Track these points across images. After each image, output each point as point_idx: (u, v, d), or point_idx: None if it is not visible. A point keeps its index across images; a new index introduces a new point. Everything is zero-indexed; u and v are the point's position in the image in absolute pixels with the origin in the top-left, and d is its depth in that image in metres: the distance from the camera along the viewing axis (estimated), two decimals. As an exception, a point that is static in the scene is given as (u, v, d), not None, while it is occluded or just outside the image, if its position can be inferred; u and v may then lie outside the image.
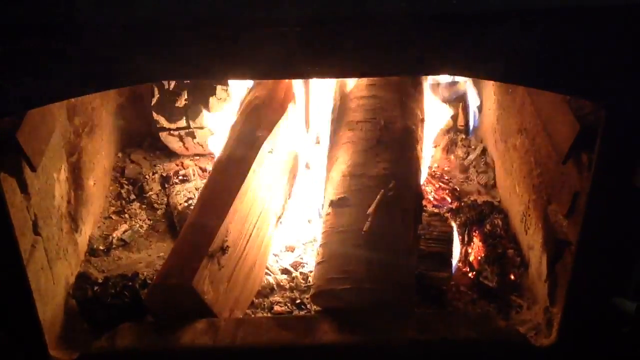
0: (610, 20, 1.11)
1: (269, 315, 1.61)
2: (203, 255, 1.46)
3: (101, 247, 1.83)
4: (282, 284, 1.70)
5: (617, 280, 1.37)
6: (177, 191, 1.97)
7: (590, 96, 1.24)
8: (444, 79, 2.06)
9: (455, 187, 2.03)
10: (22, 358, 1.41)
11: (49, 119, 1.53)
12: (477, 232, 1.82)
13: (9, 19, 1.08)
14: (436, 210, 1.88)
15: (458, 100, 2.17)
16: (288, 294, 1.68)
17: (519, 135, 1.78)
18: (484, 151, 2.13)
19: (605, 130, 1.22)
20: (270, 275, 1.71)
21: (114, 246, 1.84)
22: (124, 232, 1.89)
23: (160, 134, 2.14)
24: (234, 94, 1.96)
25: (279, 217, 1.78)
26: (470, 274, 1.72)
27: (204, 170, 2.11)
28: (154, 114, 2.10)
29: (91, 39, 1.11)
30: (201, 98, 2.08)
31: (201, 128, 2.11)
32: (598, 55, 1.15)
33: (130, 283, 1.58)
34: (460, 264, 1.73)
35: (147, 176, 2.09)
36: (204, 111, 2.08)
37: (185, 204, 1.90)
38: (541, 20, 1.12)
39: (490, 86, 2.06)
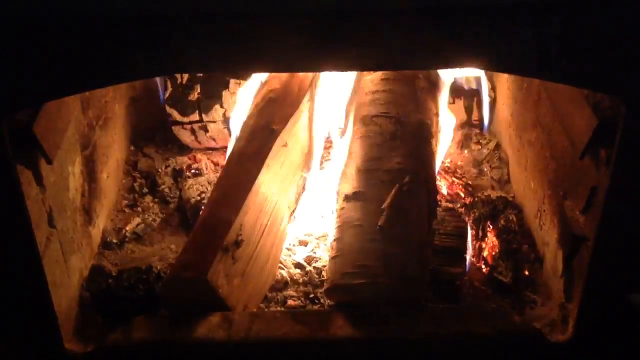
0: (629, 11, 1.10)
1: (283, 309, 1.61)
2: (217, 249, 1.45)
3: (114, 240, 1.83)
4: (295, 278, 1.70)
5: (634, 276, 1.36)
6: (190, 185, 1.97)
7: (609, 90, 1.23)
8: (459, 72, 2.05)
9: (469, 182, 2.02)
10: (37, 351, 1.41)
11: (64, 112, 1.53)
12: (491, 227, 1.82)
13: (23, 12, 1.08)
14: (450, 205, 1.88)
15: (472, 95, 2.16)
16: (302, 288, 1.68)
17: (534, 130, 1.77)
18: (498, 146, 2.12)
19: (624, 126, 1.21)
20: (283, 269, 1.71)
21: (127, 239, 1.84)
22: (137, 225, 1.89)
23: (172, 127, 2.14)
24: (248, 87, 1.95)
25: (293, 211, 1.77)
26: (484, 269, 1.71)
27: (216, 164, 2.11)
28: (167, 108, 2.10)
29: (106, 31, 1.11)
30: (214, 91, 2.07)
31: (214, 122, 2.10)
32: (617, 48, 1.14)
33: (144, 276, 1.58)
34: (474, 259, 1.72)
35: (159, 170, 2.09)
36: (217, 105, 2.08)
37: (198, 198, 1.90)
38: (559, 12, 1.11)
39: (504, 80, 2.05)
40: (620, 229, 1.31)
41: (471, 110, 2.20)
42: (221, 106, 2.08)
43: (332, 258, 1.53)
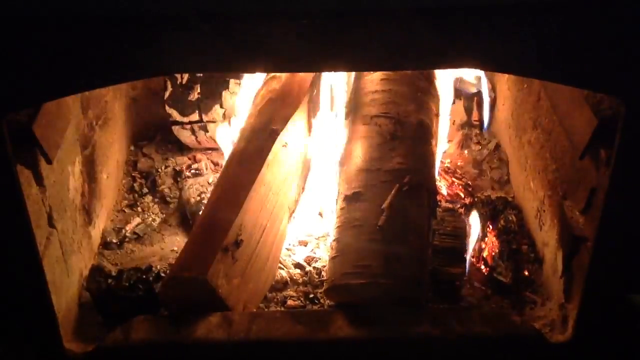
0: (629, 11, 1.10)
1: (283, 309, 1.61)
2: (217, 249, 1.45)
3: (114, 240, 1.83)
4: (295, 278, 1.70)
5: (634, 276, 1.36)
6: (190, 185, 1.97)
7: (609, 90, 1.23)
8: (459, 73, 2.05)
9: (469, 182, 2.02)
10: (37, 351, 1.41)
11: (64, 111, 1.53)
12: (490, 227, 1.82)
13: (23, 12, 1.08)
14: (450, 206, 1.88)
15: (472, 95, 2.16)
16: (301, 288, 1.68)
17: (534, 131, 1.77)
18: (498, 146, 2.12)
19: (624, 126, 1.21)
20: (283, 269, 1.71)
21: (127, 239, 1.84)
22: (137, 225, 1.89)
23: (172, 127, 2.14)
24: (248, 87, 1.95)
25: (292, 212, 1.77)
26: (484, 270, 1.71)
27: (216, 164, 2.11)
28: (167, 108, 2.10)
29: (106, 31, 1.11)
30: (214, 92, 2.07)
31: (214, 122, 2.10)
32: (617, 48, 1.14)
33: (144, 276, 1.58)
34: (474, 260, 1.72)
35: (159, 170, 2.09)
36: (217, 105, 2.08)
37: (198, 198, 1.91)
38: (558, 11, 1.11)
39: (504, 81, 2.05)
40: (620, 229, 1.31)
41: (471, 111, 2.20)
42: (221, 106, 2.08)
43: (332, 258, 1.53)
